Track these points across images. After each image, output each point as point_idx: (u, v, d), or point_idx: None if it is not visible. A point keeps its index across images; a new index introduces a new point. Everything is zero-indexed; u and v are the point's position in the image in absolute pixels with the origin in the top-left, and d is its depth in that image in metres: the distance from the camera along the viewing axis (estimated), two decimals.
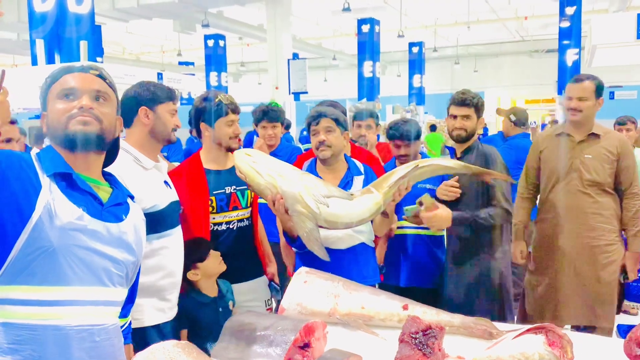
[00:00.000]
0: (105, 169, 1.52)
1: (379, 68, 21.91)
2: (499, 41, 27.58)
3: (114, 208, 1.42)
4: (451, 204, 2.81)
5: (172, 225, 2.07)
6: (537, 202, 3.30)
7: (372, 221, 2.43)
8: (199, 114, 2.60)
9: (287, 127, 3.67)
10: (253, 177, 2.17)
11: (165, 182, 2.12)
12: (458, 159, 2.92)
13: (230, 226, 2.53)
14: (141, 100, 2.08)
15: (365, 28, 20.65)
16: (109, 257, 1.35)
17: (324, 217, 2.13)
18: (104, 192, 1.44)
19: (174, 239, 2.06)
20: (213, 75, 23.18)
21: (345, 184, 2.46)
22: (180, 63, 28.12)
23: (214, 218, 2.51)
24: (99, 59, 18.73)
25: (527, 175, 3.30)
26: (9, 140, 2.77)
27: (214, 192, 2.48)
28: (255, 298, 2.58)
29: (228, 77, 24.61)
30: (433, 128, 12.44)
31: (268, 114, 3.52)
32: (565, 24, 17.85)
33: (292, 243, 2.40)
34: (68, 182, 1.34)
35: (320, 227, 2.19)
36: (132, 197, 1.55)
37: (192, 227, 2.51)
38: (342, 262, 2.37)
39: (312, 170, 2.51)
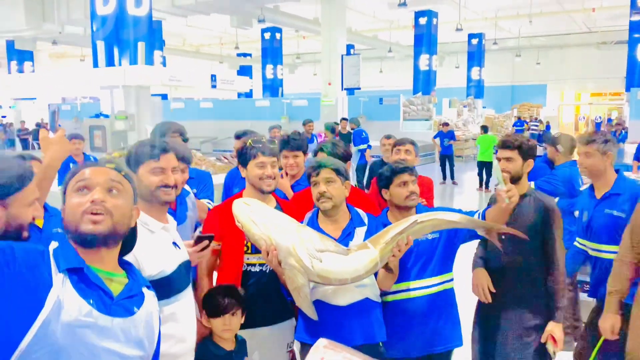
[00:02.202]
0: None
1: (436, 60, 21.49)
2: (564, 33, 26.39)
3: (126, 301, 1.41)
4: (502, 271, 2.64)
5: (181, 288, 2.00)
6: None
7: (375, 275, 2.34)
8: (238, 155, 2.62)
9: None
10: (249, 227, 2.14)
11: (174, 243, 2.04)
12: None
13: (264, 268, 2.50)
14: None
15: (423, 20, 20.27)
16: (116, 353, 1.34)
17: (317, 272, 2.07)
18: (117, 284, 1.42)
19: (184, 303, 1.99)
20: (269, 67, 23.43)
21: (347, 235, 2.37)
22: (238, 55, 28.55)
23: (247, 258, 2.50)
24: (159, 52, 19.30)
25: (632, 235, 2.68)
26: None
27: None
28: (277, 342, 2.56)
29: (284, 68, 24.81)
30: (485, 129, 12.08)
31: (289, 143, 3.40)
32: (636, 18, 16.86)
33: (290, 296, 2.33)
34: (80, 276, 1.34)
35: (314, 282, 2.15)
36: (148, 287, 1.53)
37: (225, 265, 2.57)
38: (343, 320, 2.27)
39: (314, 220, 2.43)
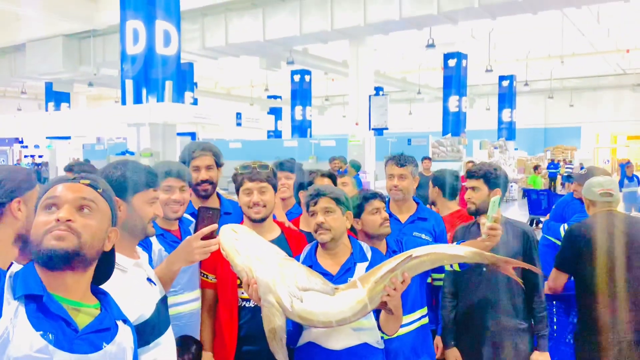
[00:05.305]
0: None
1: (466, 102, 21.32)
2: (598, 74, 26.02)
3: (93, 335, 1.25)
4: (485, 305, 2.62)
5: (162, 330, 1.77)
6: None
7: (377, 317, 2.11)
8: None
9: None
10: (232, 257, 1.96)
11: (149, 279, 1.82)
12: None
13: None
14: (112, 189, 1.67)
15: (452, 62, 20.24)
16: None
17: (297, 313, 1.87)
18: (85, 316, 1.27)
19: (164, 346, 1.76)
20: (298, 109, 23.62)
21: (346, 271, 2.15)
22: (268, 97, 28.97)
23: (242, 293, 2.30)
24: (190, 93, 19.68)
25: None
26: None
27: None
28: None
29: (313, 110, 24.97)
30: (536, 168, 12.48)
31: (282, 164, 3.21)
32: None
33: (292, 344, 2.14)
34: (39, 305, 1.19)
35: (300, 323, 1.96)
36: (124, 320, 1.37)
37: (220, 300, 2.39)
38: None
39: (312, 255, 2.23)
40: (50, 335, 1.16)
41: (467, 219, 3.46)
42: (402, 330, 2.35)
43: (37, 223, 1.27)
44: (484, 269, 2.59)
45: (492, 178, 2.67)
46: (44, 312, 1.19)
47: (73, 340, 1.20)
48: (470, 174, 2.69)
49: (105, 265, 1.39)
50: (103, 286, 1.40)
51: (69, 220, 1.25)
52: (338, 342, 2.05)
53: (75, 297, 1.27)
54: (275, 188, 2.40)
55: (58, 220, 1.24)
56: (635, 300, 2.75)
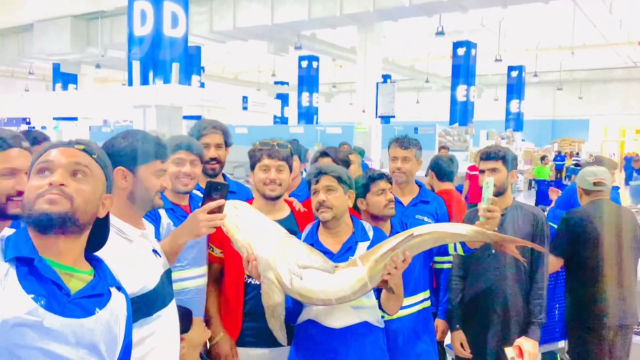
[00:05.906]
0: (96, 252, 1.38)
1: (474, 91, 21.17)
2: (608, 67, 25.76)
3: (85, 300, 1.24)
4: (490, 288, 2.62)
5: (165, 302, 1.75)
6: None
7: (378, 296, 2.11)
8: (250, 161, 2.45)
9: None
10: (233, 233, 1.97)
11: (154, 251, 1.81)
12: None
13: None
14: (118, 158, 1.71)
15: (461, 51, 20.07)
16: (62, 357, 1.16)
17: (297, 291, 1.88)
18: (78, 281, 1.26)
19: (166, 319, 1.74)
20: (305, 95, 23.53)
21: (347, 250, 2.14)
22: (275, 82, 28.86)
23: None
24: (197, 77, 19.62)
25: None
26: None
27: None
28: None
29: (320, 97, 24.84)
30: (543, 159, 12.50)
31: None
32: None
33: (292, 321, 2.15)
34: (30, 269, 1.19)
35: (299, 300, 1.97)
36: (119, 287, 1.37)
37: (226, 275, 2.40)
38: (337, 344, 2.04)
39: (313, 234, 2.22)
40: (41, 298, 1.17)
41: (450, 197, 3.47)
42: (404, 312, 2.36)
43: (30, 187, 1.27)
44: (493, 251, 2.58)
45: (511, 159, 2.67)
46: (35, 276, 1.19)
47: (65, 305, 1.20)
48: (488, 156, 2.66)
49: (99, 233, 1.38)
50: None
51: (62, 184, 1.25)
52: (338, 320, 2.06)
53: (68, 262, 1.27)
54: (291, 169, 2.40)
55: (51, 184, 1.25)
56: (622, 286, 2.83)
